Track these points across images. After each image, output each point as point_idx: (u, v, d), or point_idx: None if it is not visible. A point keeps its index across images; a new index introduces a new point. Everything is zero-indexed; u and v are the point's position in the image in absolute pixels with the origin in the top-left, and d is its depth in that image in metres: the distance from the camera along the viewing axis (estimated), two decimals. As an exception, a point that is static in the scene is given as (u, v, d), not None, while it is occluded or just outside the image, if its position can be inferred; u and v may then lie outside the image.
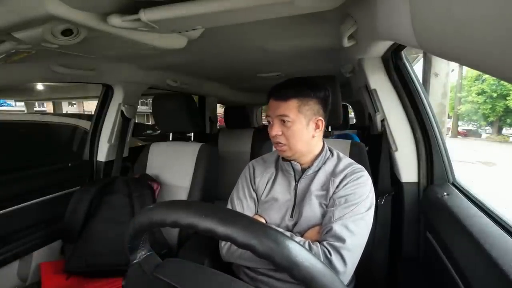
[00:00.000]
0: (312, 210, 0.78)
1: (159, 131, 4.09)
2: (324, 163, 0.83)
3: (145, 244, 0.50)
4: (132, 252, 0.49)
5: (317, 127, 0.80)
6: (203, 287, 0.42)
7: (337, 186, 0.78)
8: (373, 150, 1.71)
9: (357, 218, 0.72)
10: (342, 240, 0.68)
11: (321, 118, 0.80)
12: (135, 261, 0.49)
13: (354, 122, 3.94)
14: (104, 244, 1.14)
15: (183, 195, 1.36)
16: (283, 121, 0.77)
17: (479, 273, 0.59)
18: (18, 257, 1.16)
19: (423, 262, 0.98)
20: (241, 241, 0.37)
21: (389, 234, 1.02)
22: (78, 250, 1.14)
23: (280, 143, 0.79)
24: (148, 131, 5.05)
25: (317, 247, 0.69)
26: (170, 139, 1.64)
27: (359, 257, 0.72)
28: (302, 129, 0.77)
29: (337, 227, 0.70)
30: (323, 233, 0.73)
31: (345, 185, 0.77)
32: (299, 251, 0.36)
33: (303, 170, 0.84)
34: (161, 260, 0.49)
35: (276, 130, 0.78)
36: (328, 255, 0.67)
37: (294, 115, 0.76)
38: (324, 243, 0.70)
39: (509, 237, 0.60)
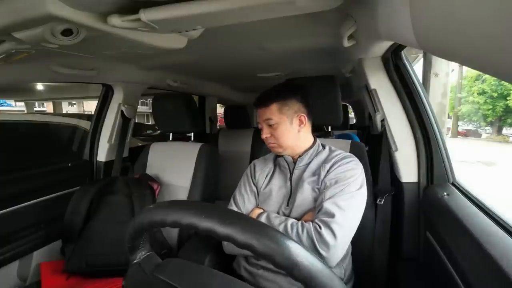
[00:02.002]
0: (305, 195, 0.83)
1: (159, 131, 4.10)
2: (316, 155, 0.89)
3: (145, 244, 0.50)
4: (132, 252, 0.49)
5: (301, 122, 0.87)
6: (203, 287, 0.42)
7: (328, 170, 0.83)
8: (373, 150, 1.71)
9: (347, 197, 0.75)
10: (331, 215, 0.72)
11: (303, 114, 0.87)
12: (135, 261, 0.49)
13: (354, 122, 3.95)
14: (104, 244, 1.14)
15: (183, 195, 1.36)
16: (270, 125, 0.86)
17: (479, 273, 0.59)
18: (18, 257, 1.16)
19: (423, 262, 0.98)
20: (241, 241, 0.37)
21: (389, 234, 1.02)
22: (78, 250, 1.14)
23: (271, 143, 0.88)
24: (148, 131, 5.05)
25: (309, 224, 0.73)
26: (170, 139, 1.65)
27: (352, 234, 0.75)
28: (287, 128, 0.86)
29: (328, 205, 0.74)
30: (315, 214, 0.77)
31: (336, 168, 0.82)
32: (299, 251, 0.36)
33: (296, 162, 0.89)
34: (161, 260, 0.49)
35: (265, 133, 0.88)
36: (319, 229, 0.71)
37: (277, 117, 0.85)
38: (316, 220, 0.73)
39: (509, 237, 0.60)
